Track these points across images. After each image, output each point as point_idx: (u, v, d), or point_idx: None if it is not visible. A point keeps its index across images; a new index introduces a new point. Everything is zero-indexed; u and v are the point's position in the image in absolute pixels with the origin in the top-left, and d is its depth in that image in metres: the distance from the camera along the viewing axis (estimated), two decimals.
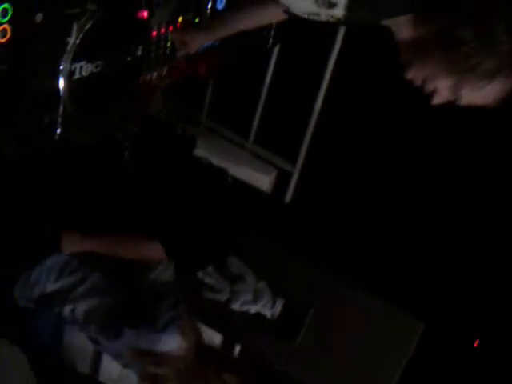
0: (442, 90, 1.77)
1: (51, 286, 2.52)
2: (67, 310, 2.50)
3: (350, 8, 1.77)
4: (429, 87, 1.79)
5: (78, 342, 3.14)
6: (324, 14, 1.83)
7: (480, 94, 1.73)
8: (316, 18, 1.86)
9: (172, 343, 2.38)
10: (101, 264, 2.56)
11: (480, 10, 1.68)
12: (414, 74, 1.79)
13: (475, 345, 3.62)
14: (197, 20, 2.31)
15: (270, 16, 2.10)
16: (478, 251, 3.53)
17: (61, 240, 2.54)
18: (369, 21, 1.84)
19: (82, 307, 2.48)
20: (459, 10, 1.68)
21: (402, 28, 1.79)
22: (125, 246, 2.58)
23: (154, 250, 2.54)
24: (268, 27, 2.87)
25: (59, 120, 1.92)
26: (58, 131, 1.94)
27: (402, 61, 1.81)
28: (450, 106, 1.80)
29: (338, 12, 1.79)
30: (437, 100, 1.80)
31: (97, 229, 2.59)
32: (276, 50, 3.72)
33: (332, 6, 1.78)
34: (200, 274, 3.21)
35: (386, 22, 1.82)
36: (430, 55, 1.74)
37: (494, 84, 1.71)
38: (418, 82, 1.80)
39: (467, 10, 1.68)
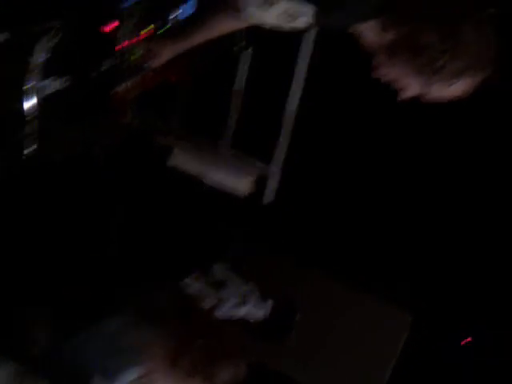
0: (412, 87, 1.80)
1: None
2: None
3: (317, 18, 1.79)
4: (398, 84, 1.81)
5: None
6: (287, 27, 1.84)
7: (449, 90, 1.76)
8: (279, 29, 1.88)
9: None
10: None
11: (446, 11, 1.68)
12: (384, 73, 1.82)
13: (463, 343, 3.63)
14: (162, 31, 2.31)
15: (233, 25, 2.10)
16: (473, 248, 3.56)
17: None
18: (337, 27, 1.85)
19: None
20: (425, 14, 1.70)
21: (371, 32, 1.81)
22: None
23: None
24: (239, 30, 2.86)
25: (33, 137, 1.92)
26: (33, 148, 1.94)
27: (372, 62, 1.83)
28: (419, 101, 1.83)
29: (303, 23, 1.81)
30: (406, 95, 1.82)
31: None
32: (248, 53, 3.72)
33: (295, 19, 1.80)
34: (183, 283, 3.21)
35: (354, 27, 1.84)
36: (398, 58, 1.76)
37: (462, 81, 1.73)
38: (388, 79, 1.82)
39: (433, 13, 1.69)
